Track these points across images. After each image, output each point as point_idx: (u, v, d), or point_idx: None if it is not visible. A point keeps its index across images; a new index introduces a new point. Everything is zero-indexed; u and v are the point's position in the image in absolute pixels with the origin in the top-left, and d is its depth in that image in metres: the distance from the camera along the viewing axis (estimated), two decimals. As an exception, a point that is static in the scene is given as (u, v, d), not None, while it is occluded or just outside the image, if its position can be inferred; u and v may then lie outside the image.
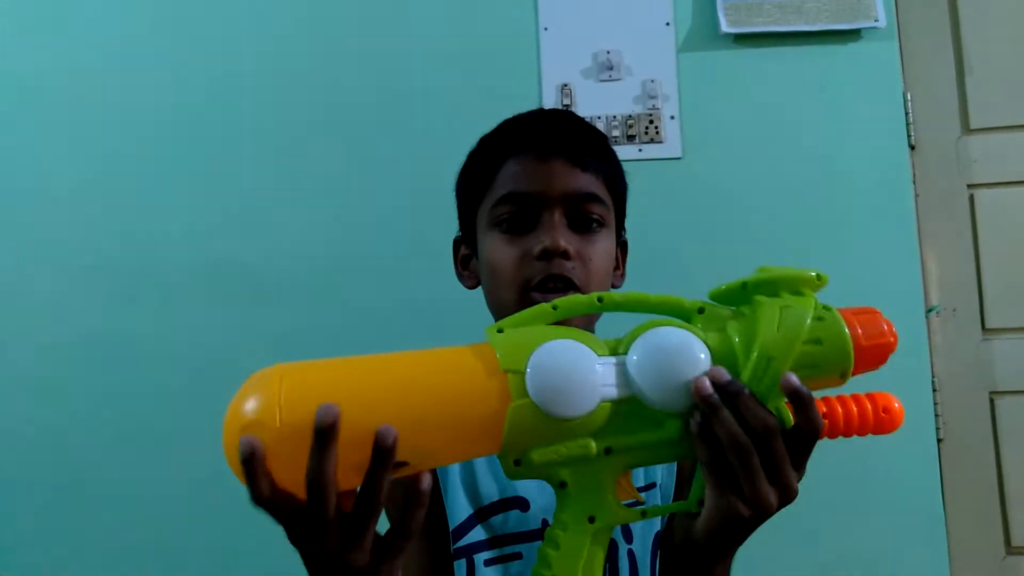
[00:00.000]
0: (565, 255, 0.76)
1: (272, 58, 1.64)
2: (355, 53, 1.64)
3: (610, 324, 0.87)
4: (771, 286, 0.53)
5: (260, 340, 1.56)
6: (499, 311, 0.83)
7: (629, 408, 0.50)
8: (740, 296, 0.54)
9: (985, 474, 1.57)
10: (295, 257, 1.59)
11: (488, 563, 0.76)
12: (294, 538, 0.50)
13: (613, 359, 0.51)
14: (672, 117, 1.60)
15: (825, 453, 1.55)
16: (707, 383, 0.50)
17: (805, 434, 0.53)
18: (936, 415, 1.55)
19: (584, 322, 0.81)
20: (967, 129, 1.65)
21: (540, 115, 0.90)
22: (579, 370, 0.49)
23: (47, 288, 1.60)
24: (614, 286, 0.85)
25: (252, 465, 0.47)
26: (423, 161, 1.59)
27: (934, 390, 1.56)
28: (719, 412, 0.50)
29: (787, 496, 0.55)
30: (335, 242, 1.59)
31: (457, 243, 0.91)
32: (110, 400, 1.56)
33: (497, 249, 0.79)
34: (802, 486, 1.62)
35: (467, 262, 0.89)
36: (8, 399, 1.57)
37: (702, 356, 0.50)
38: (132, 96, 1.64)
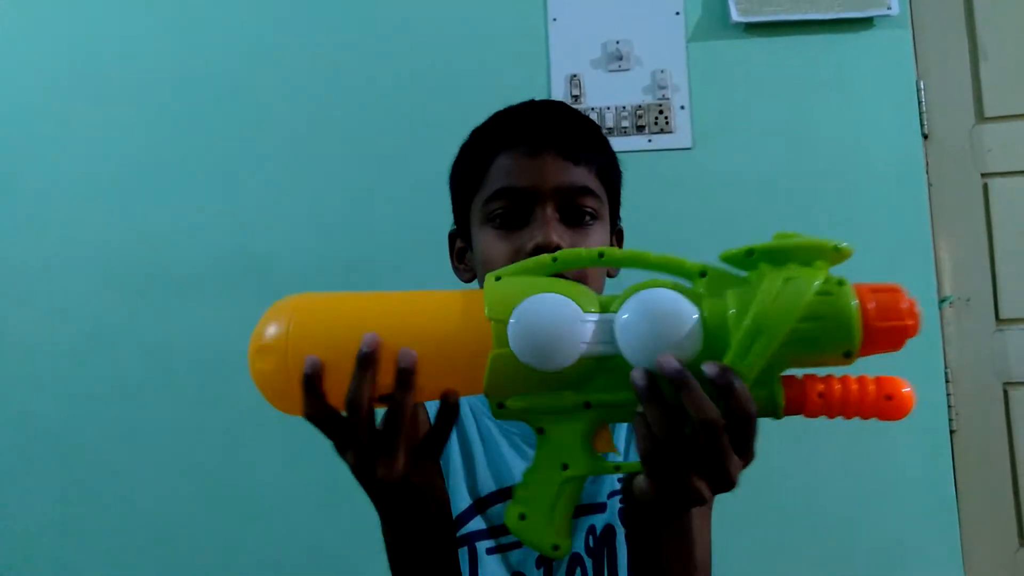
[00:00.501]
0: (558, 250, 0.76)
1: (281, 52, 1.64)
2: (364, 46, 1.64)
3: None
4: (780, 255, 0.50)
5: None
6: None
7: (612, 365, 0.50)
8: (746, 263, 0.51)
9: (998, 466, 1.56)
10: (304, 251, 1.59)
11: (489, 552, 0.77)
12: (339, 450, 0.57)
13: (601, 316, 0.50)
14: (682, 107, 1.59)
15: (836, 443, 1.56)
16: (642, 375, 0.49)
17: (737, 419, 0.49)
18: (949, 406, 1.54)
19: (597, 284, 0.81)
20: (981, 118, 1.63)
21: (531, 107, 0.89)
22: (561, 325, 0.49)
23: (58, 282, 1.61)
24: (610, 276, 0.84)
25: (311, 381, 0.52)
26: (433, 154, 1.56)
27: (947, 381, 1.55)
28: (655, 403, 0.49)
29: (725, 487, 0.52)
30: (344, 235, 1.60)
31: (452, 236, 0.91)
32: (120, 393, 1.57)
33: (490, 245, 0.79)
34: (813, 476, 1.64)
35: (462, 255, 0.89)
36: (20, 392, 1.58)
37: (690, 323, 0.49)
38: (141, 91, 1.65)
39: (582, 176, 0.80)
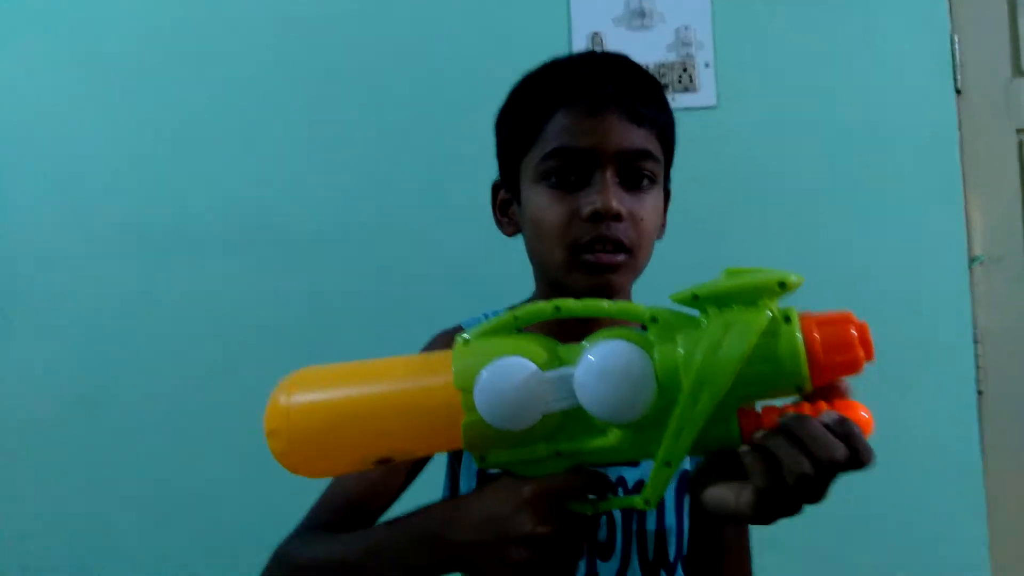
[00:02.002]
0: (617, 217, 0.74)
1: (300, 14, 1.62)
2: (384, 6, 1.61)
3: (650, 292, 0.86)
4: (724, 298, 0.50)
5: (291, 301, 1.58)
6: (543, 268, 0.82)
7: (575, 416, 0.53)
8: (693, 305, 0.52)
9: (1026, 429, 1.54)
10: (327, 218, 1.59)
11: None
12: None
13: (559, 372, 0.52)
14: (707, 65, 1.55)
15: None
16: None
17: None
18: (977, 367, 1.52)
19: (622, 285, 0.80)
20: (1018, 72, 1.58)
21: (593, 60, 0.85)
22: (521, 388, 0.52)
23: (80, 251, 1.62)
24: (656, 239, 0.83)
25: None
26: (453, 115, 1.57)
27: (975, 342, 1.53)
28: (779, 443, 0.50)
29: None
30: (367, 202, 1.59)
31: (496, 187, 0.88)
32: (142, 361, 1.59)
33: (544, 205, 0.77)
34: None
35: (506, 208, 0.86)
36: (42, 360, 1.61)
37: (643, 375, 0.50)
38: (164, 59, 1.64)
39: (644, 139, 0.77)
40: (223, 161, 1.62)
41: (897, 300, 1.51)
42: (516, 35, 1.56)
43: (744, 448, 0.51)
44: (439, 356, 0.56)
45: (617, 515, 0.79)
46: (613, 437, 0.53)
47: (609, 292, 0.78)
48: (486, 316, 0.87)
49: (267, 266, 1.59)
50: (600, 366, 0.51)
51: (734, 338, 0.48)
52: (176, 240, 1.61)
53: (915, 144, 1.53)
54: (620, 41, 1.54)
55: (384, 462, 0.57)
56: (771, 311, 0.50)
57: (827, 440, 0.49)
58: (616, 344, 0.51)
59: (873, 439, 1.62)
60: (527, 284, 0.88)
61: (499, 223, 0.88)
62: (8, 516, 1.59)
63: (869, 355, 0.50)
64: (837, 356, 0.49)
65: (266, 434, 0.56)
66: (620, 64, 0.83)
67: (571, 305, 0.55)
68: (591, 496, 0.56)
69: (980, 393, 1.52)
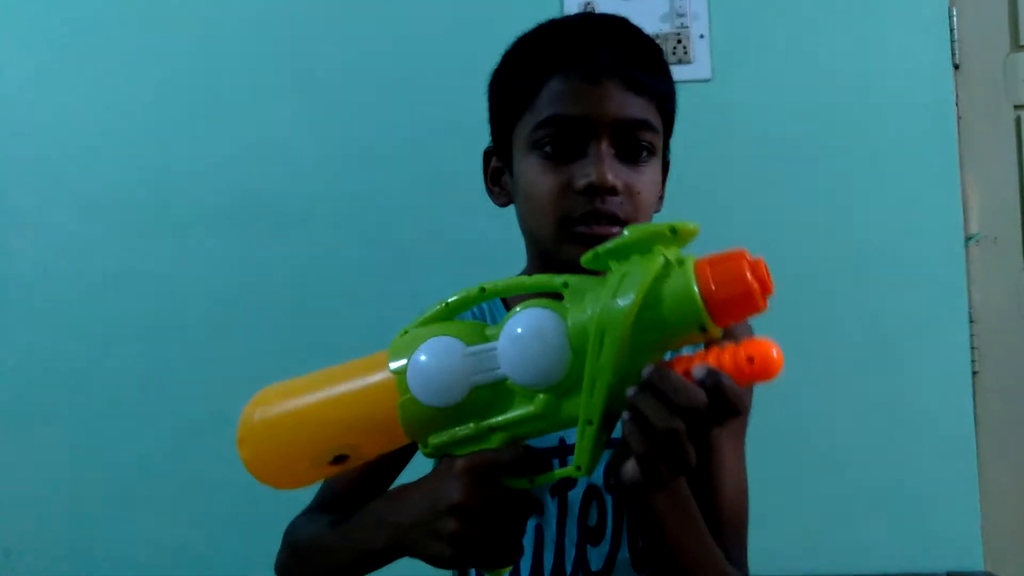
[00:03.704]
0: (612, 191, 0.71)
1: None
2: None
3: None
4: (622, 250, 0.52)
5: (278, 273, 1.56)
6: (534, 240, 0.79)
7: (503, 389, 0.55)
8: (597, 264, 0.53)
9: (1020, 408, 1.53)
10: (313, 189, 1.57)
11: None
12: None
13: (483, 346, 0.55)
14: (701, 36, 1.52)
15: (855, 381, 1.55)
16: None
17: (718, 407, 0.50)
18: (972, 347, 1.51)
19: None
20: (1017, 46, 1.56)
21: (590, 23, 0.82)
22: (446, 363, 0.54)
23: (65, 223, 1.59)
24: (655, 211, 0.80)
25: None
26: (440, 85, 1.55)
27: (971, 321, 1.52)
28: (653, 397, 0.50)
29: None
30: (352, 173, 1.57)
31: (488, 154, 0.85)
32: (129, 334, 1.57)
33: (537, 176, 0.74)
34: (830, 417, 1.62)
35: (498, 176, 0.83)
36: (30, 335, 1.58)
37: (553, 336, 0.52)
38: (148, 29, 1.60)
39: (642, 108, 0.74)
40: (207, 134, 1.59)
41: (892, 278, 1.50)
42: (507, 5, 1.52)
43: (626, 414, 0.51)
44: (382, 352, 0.59)
45: (608, 500, 0.77)
46: (540, 403, 0.54)
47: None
48: None
49: (253, 240, 1.57)
50: (514, 332, 0.53)
51: (628, 283, 0.50)
52: (160, 214, 1.58)
53: (912, 119, 1.51)
54: (613, 10, 1.45)
55: (340, 460, 0.59)
56: (665, 256, 0.50)
57: (687, 390, 0.49)
58: (530, 311, 0.54)
59: (867, 418, 1.62)
60: (518, 256, 0.86)
61: (490, 192, 0.85)
62: (-9, 497, 1.57)
63: (766, 289, 0.49)
64: (730, 289, 0.49)
65: (237, 443, 0.60)
66: (619, 27, 0.79)
67: (497, 286, 0.58)
68: (525, 470, 0.57)
69: (975, 372, 1.52)
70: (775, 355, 0.49)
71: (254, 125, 1.58)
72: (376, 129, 1.57)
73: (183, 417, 1.55)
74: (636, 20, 0.81)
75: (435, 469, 0.60)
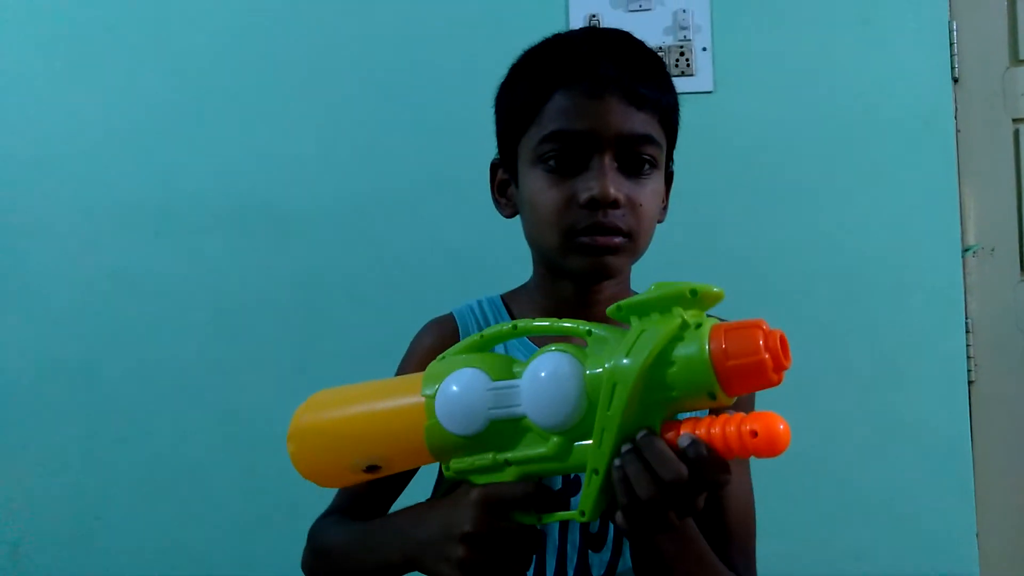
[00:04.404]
0: (615, 204, 0.73)
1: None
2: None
3: (646, 278, 0.85)
4: (644, 307, 0.53)
5: (284, 277, 1.57)
6: (540, 251, 0.81)
7: (521, 426, 0.57)
8: (620, 317, 0.55)
9: (1016, 418, 1.55)
10: (319, 195, 1.58)
11: None
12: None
13: (507, 382, 0.57)
14: (704, 49, 1.54)
15: (853, 392, 1.56)
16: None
17: (699, 480, 0.52)
18: (968, 357, 1.53)
19: (615, 289, 0.80)
20: (1016, 60, 1.58)
21: (594, 38, 0.82)
22: (470, 395, 0.57)
23: (75, 225, 1.61)
24: (658, 221, 0.81)
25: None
26: (447, 95, 1.56)
27: (967, 331, 1.53)
28: (636, 461, 0.51)
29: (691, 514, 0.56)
30: (358, 180, 1.58)
31: (495, 166, 0.86)
32: (137, 336, 1.59)
33: (541, 189, 0.75)
34: (828, 425, 1.63)
35: (504, 188, 0.84)
36: (38, 335, 1.60)
37: (572, 383, 0.54)
38: (156, 34, 1.62)
39: (645, 123, 0.75)
40: (216, 138, 1.60)
41: (890, 289, 1.51)
42: (513, 16, 1.55)
43: (616, 463, 0.52)
44: (419, 375, 0.62)
45: None
46: (553, 446, 0.55)
47: (607, 273, 0.77)
48: (479, 303, 0.86)
49: (259, 244, 1.58)
50: (536, 374, 0.55)
51: (644, 341, 0.51)
52: (168, 217, 1.60)
53: (911, 132, 1.53)
54: (617, 24, 1.51)
55: (373, 470, 0.63)
56: (683, 317, 0.51)
57: (669, 463, 0.50)
58: (553, 355, 0.56)
59: (865, 427, 1.63)
60: (524, 266, 0.87)
61: (497, 203, 0.86)
62: (1, 495, 1.59)
63: (779, 364, 0.49)
64: (742, 360, 0.48)
65: (286, 439, 0.64)
66: (622, 42, 0.80)
67: (530, 326, 0.61)
68: (535, 507, 0.59)
69: (971, 383, 1.53)
70: (781, 431, 0.48)
71: (261, 131, 1.60)
72: (382, 136, 1.58)
73: (189, 417, 1.57)
74: (640, 33, 0.82)
75: (454, 493, 0.62)
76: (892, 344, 1.51)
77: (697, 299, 0.52)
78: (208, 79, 1.61)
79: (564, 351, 0.55)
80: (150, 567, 1.55)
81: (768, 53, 1.55)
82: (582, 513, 0.55)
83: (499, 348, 0.82)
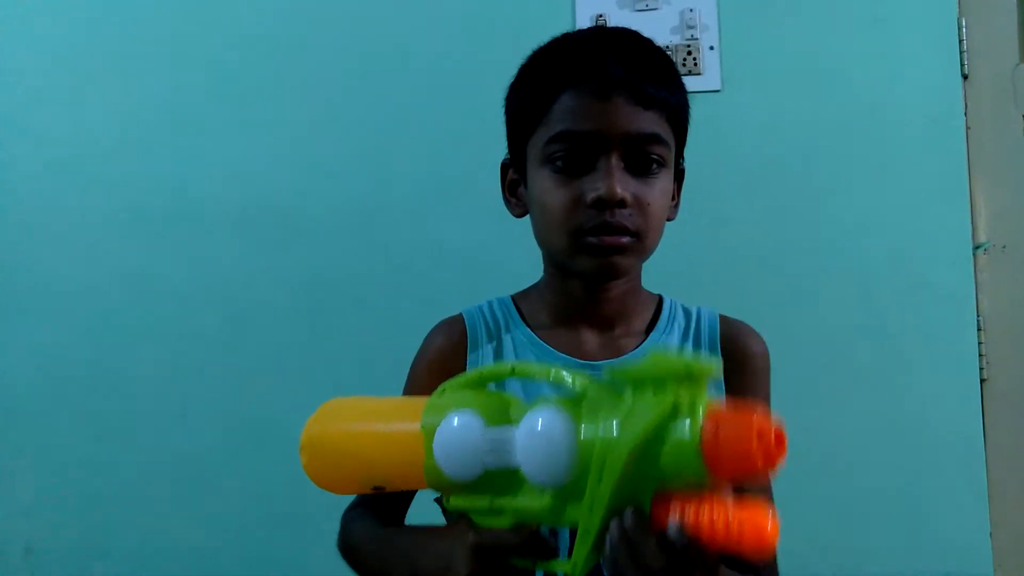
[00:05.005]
0: (621, 203, 0.73)
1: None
2: (384, -13, 1.60)
3: (655, 277, 0.85)
4: (638, 380, 0.52)
5: (292, 279, 1.58)
6: (549, 251, 0.81)
7: (517, 476, 0.56)
8: (614, 383, 0.54)
9: (1029, 416, 1.54)
10: (328, 197, 1.59)
11: None
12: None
13: (503, 430, 0.57)
14: (711, 48, 1.54)
15: (863, 389, 1.55)
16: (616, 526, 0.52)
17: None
18: (980, 355, 1.52)
19: (625, 288, 0.80)
20: (1026, 56, 1.57)
21: (600, 38, 0.83)
22: (466, 440, 0.57)
23: (84, 228, 1.62)
24: (669, 219, 0.81)
25: None
26: (454, 97, 1.57)
27: (979, 329, 1.52)
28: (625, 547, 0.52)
29: None
30: (367, 182, 1.59)
31: (505, 167, 0.86)
32: (145, 338, 1.59)
33: (548, 189, 0.76)
34: (839, 424, 1.62)
35: (514, 188, 0.85)
36: (48, 338, 1.61)
37: (566, 443, 0.53)
38: (164, 37, 1.63)
39: (652, 122, 0.75)
40: (224, 141, 1.61)
41: (901, 287, 1.50)
42: (519, 16, 1.55)
43: (606, 542, 0.53)
44: (423, 400, 0.62)
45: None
46: (545, 500, 0.56)
47: (615, 273, 0.77)
48: (489, 304, 0.86)
49: (268, 247, 1.59)
50: (533, 429, 0.55)
51: (634, 421, 0.50)
52: (177, 220, 1.61)
53: (920, 130, 1.52)
54: (624, 23, 1.50)
55: (379, 489, 0.66)
56: (678, 399, 0.50)
57: (652, 554, 0.50)
58: (550, 413, 0.55)
59: (876, 426, 1.62)
60: (533, 267, 0.88)
61: (507, 203, 0.86)
62: (12, 497, 1.60)
63: (770, 457, 0.48)
64: (731, 449, 0.48)
65: (299, 449, 0.65)
66: (630, 41, 0.80)
67: (529, 369, 0.62)
68: (529, 555, 0.59)
69: (983, 381, 1.52)
70: (768, 530, 0.48)
71: (270, 135, 1.61)
72: (390, 138, 1.59)
73: (199, 419, 1.57)
74: (647, 32, 0.82)
75: (455, 528, 0.63)
76: (903, 342, 1.50)
77: (692, 378, 0.50)
78: (217, 83, 1.62)
79: (560, 409, 0.55)
80: (160, 569, 1.56)
81: (776, 51, 1.54)
82: (574, 564, 0.55)
83: (507, 342, 0.82)
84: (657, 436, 0.49)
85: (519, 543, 0.58)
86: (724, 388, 0.81)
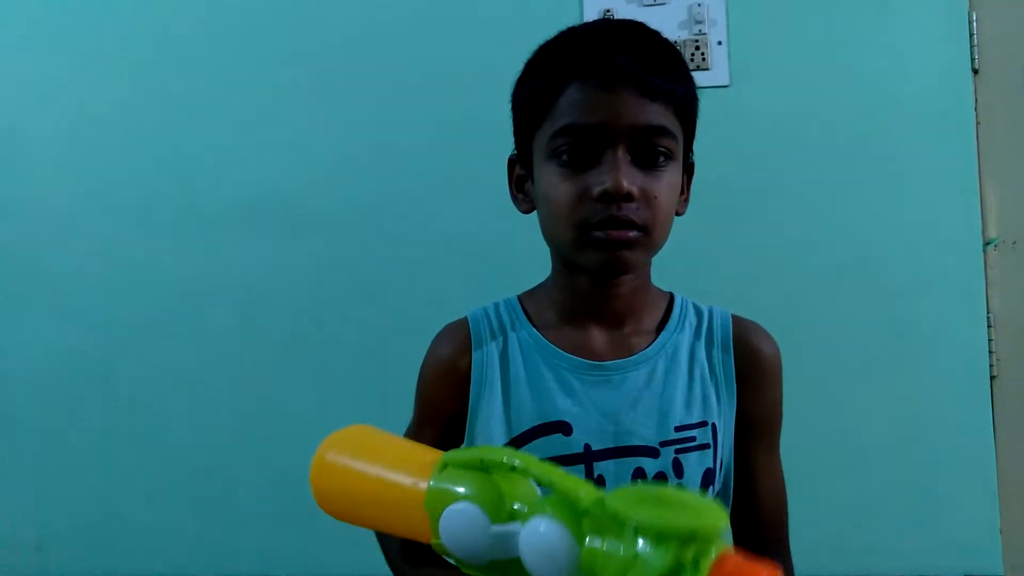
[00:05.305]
0: (628, 197, 0.72)
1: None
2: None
3: (664, 273, 0.85)
4: (642, 528, 0.50)
5: (300, 274, 1.58)
6: (556, 246, 0.81)
7: (517, 569, 0.56)
8: (616, 518, 0.52)
9: (1040, 412, 1.53)
10: (334, 191, 1.59)
11: None
12: None
13: (506, 528, 0.56)
14: (719, 43, 1.53)
15: (875, 386, 1.54)
16: None
17: None
18: (990, 351, 1.51)
19: (634, 284, 0.79)
20: (1037, 51, 1.56)
21: (606, 30, 0.81)
22: (471, 534, 0.57)
23: (93, 221, 1.63)
24: (678, 213, 0.80)
25: None
26: (462, 92, 1.56)
27: (989, 326, 1.51)
28: None
29: None
30: (376, 178, 1.59)
31: (512, 162, 0.85)
32: (155, 332, 1.61)
33: (555, 184, 0.75)
34: (849, 421, 1.61)
35: (522, 184, 0.84)
36: (57, 332, 1.63)
37: (565, 564, 0.53)
38: (171, 28, 1.64)
39: (659, 114, 0.73)
40: (232, 136, 1.62)
41: (911, 283, 1.50)
42: (528, 11, 1.54)
43: None
44: (431, 458, 0.62)
45: None
46: None
47: (622, 268, 0.77)
48: (496, 306, 0.86)
49: (277, 242, 1.60)
50: (534, 539, 0.55)
51: (637, 572, 0.48)
52: (186, 215, 1.62)
53: (931, 124, 1.51)
54: (631, 16, 1.51)
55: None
56: (680, 557, 0.48)
57: None
58: (551, 527, 0.54)
59: (886, 422, 1.61)
60: (535, 259, 0.87)
61: (515, 199, 0.85)
62: (24, 494, 1.61)
63: None
64: None
65: (310, 468, 0.65)
66: (635, 33, 0.79)
67: (530, 467, 0.59)
68: None
69: (993, 377, 1.51)
70: None
71: (279, 130, 1.61)
72: (399, 134, 1.59)
73: (207, 414, 1.58)
74: (655, 27, 0.82)
75: None
76: (913, 339, 1.49)
77: (693, 536, 0.48)
78: (227, 78, 1.63)
79: (564, 524, 0.54)
80: (169, 564, 1.57)
81: (784, 46, 1.53)
82: None
83: (512, 341, 0.82)
84: None
85: None
86: (736, 388, 0.80)
